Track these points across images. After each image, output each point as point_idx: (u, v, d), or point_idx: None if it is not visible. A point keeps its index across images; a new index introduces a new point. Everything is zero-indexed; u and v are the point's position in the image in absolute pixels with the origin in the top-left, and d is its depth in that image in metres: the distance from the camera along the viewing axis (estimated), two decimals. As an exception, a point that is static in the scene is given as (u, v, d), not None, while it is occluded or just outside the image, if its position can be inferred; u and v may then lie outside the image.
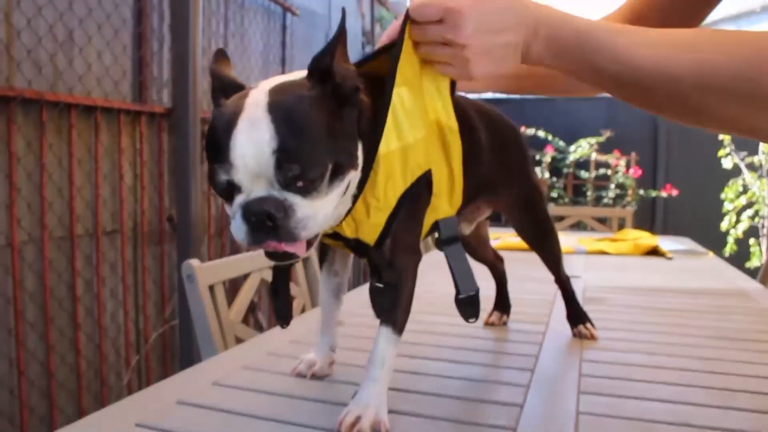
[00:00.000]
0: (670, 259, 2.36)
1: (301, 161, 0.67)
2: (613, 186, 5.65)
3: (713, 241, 4.75)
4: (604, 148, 5.71)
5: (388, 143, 0.79)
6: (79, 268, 2.30)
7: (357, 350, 1.09)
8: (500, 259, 1.37)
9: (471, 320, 0.88)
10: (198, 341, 1.40)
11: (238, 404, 0.90)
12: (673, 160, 5.89)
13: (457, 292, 0.86)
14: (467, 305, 0.87)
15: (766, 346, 1.24)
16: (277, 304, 0.90)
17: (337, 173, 0.71)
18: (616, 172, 5.65)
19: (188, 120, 2.59)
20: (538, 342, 1.23)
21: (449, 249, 0.88)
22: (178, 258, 2.69)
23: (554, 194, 5.85)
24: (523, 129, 5.83)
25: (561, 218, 3.70)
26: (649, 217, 5.85)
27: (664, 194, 5.55)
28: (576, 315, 1.27)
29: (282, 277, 0.90)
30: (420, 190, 0.83)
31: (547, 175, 5.88)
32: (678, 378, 1.04)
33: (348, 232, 0.82)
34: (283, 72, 3.73)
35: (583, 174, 5.82)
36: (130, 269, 2.57)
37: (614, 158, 5.64)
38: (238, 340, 1.52)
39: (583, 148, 5.76)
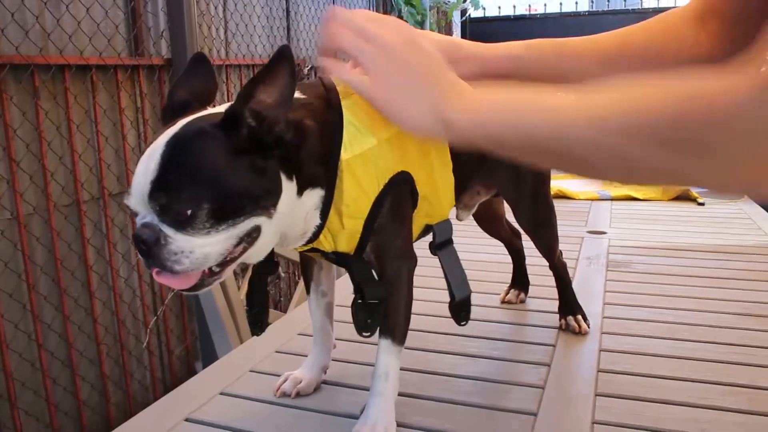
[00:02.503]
0: (701, 204, 2.25)
1: (168, 193, 0.65)
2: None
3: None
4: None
5: (351, 148, 0.75)
6: (88, 235, 2.27)
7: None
8: (517, 235, 1.29)
9: (462, 323, 0.89)
10: (208, 322, 1.37)
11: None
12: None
13: (452, 298, 0.86)
14: (460, 309, 0.88)
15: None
16: (251, 314, 0.88)
17: (225, 215, 0.67)
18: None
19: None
20: (555, 325, 1.17)
21: (443, 252, 0.87)
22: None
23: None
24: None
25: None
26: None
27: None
28: (567, 305, 1.18)
29: (257, 286, 0.87)
30: (399, 191, 0.79)
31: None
32: (701, 372, 0.97)
33: (326, 245, 0.79)
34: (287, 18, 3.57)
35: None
36: (141, 231, 2.53)
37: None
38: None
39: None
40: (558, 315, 1.18)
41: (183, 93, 0.75)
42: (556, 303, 1.20)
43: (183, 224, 0.66)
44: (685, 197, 2.33)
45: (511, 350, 1.10)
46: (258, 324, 0.88)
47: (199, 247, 0.67)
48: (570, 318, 1.16)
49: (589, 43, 0.79)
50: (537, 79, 0.77)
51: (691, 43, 0.75)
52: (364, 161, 0.75)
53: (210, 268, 0.69)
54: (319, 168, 0.74)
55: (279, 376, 0.97)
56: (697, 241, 1.79)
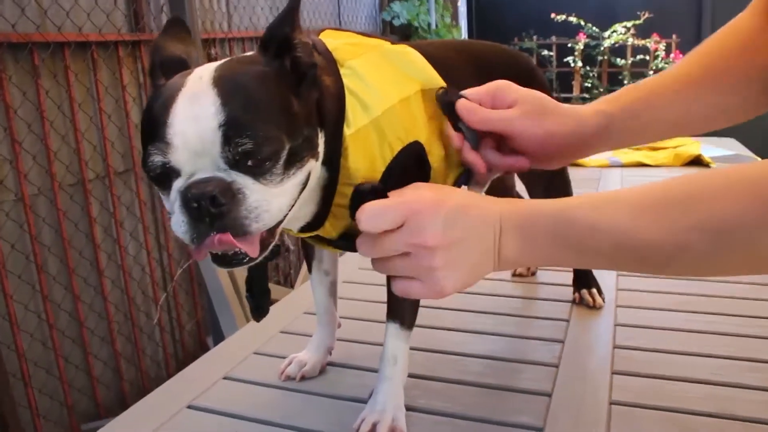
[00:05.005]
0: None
1: (253, 135, 0.57)
2: (651, 73, 5.31)
3: (761, 136, 4.48)
4: (642, 31, 5.32)
5: (354, 122, 0.68)
6: (94, 214, 2.26)
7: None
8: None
9: None
10: (213, 302, 1.35)
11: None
12: (718, 41, 5.48)
13: None
14: None
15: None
16: (252, 300, 0.80)
17: (295, 159, 0.61)
18: (656, 58, 5.30)
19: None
20: (568, 299, 1.14)
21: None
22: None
23: (588, 84, 5.56)
24: (553, 15, 5.47)
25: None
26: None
27: (706, 78, 5.20)
28: (582, 278, 1.14)
29: (256, 271, 0.79)
30: (407, 163, 0.72)
31: (580, 64, 5.56)
32: (719, 348, 0.94)
33: (333, 232, 0.73)
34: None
35: (619, 61, 5.48)
36: (147, 208, 2.52)
37: (653, 42, 5.27)
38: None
39: (618, 33, 5.39)
40: (572, 288, 1.14)
41: (173, 49, 0.68)
42: (569, 275, 1.16)
43: (262, 171, 0.58)
44: (697, 162, 2.26)
45: (522, 326, 1.06)
46: (259, 310, 0.82)
47: (275, 198, 0.59)
48: (584, 291, 1.12)
49: (673, 82, 0.76)
50: (632, 133, 0.77)
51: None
52: (368, 135, 0.68)
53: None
54: (330, 135, 0.67)
55: (284, 357, 0.95)
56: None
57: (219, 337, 2.30)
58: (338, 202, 0.70)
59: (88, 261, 2.25)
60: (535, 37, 5.89)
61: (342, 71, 0.69)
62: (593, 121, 0.75)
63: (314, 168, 0.65)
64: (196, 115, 0.57)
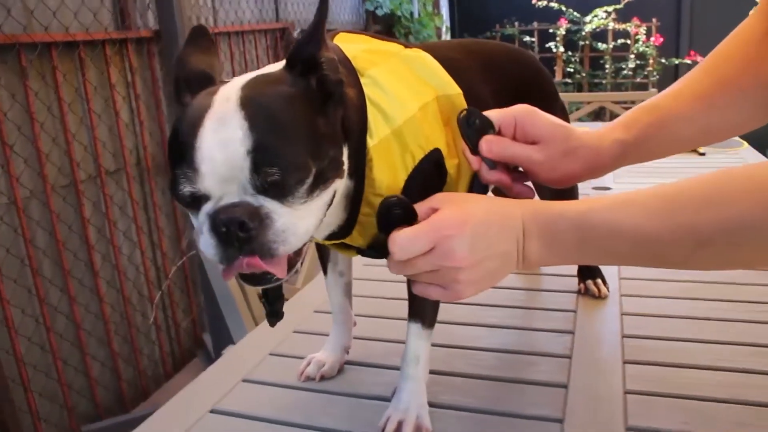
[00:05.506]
0: (702, 155, 2.22)
1: (281, 163, 0.57)
2: (632, 56, 5.36)
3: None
4: (623, 16, 5.37)
5: (377, 132, 0.69)
6: (87, 215, 2.24)
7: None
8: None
9: None
10: (221, 306, 1.36)
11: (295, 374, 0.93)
12: (698, 23, 5.52)
13: None
14: None
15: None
16: (268, 305, 0.81)
17: (320, 181, 0.61)
18: (636, 42, 5.35)
19: (179, 39, 2.41)
20: (573, 289, 1.16)
21: None
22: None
23: (570, 69, 5.59)
24: (534, 1, 5.49)
25: (578, 106, 3.50)
26: (672, 87, 5.59)
27: (688, 61, 5.24)
28: (587, 268, 1.16)
29: None
30: (428, 171, 0.73)
31: (561, 49, 5.59)
32: (723, 334, 0.97)
33: (360, 241, 0.75)
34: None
35: (601, 46, 5.52)
36: (140, 207, 2.51)
37: (633, 26, 5.32)
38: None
39: (599, 17, 5.44)
40: (576, 279, 1.17)
41: (197, 63, 0.68)
42: (573, 266, 1.18)
43: (289, 196, 0.58)
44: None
45: (531, 318, 1.09)
46: (274, 314, 0.82)
47: (301, 221, 0.60)
48: (590, 282, 1.14)
49: (684, 101, 0.77)
50: (647, 154, 0.79)
51: None
52: (390, 145, 0.70)
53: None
54: (354, 147, 0.68)
55: (300, 358, 0.96)
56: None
57: (216, 334, 2.31)
58: (365, 211, 0.71)
59: (83, 262, 2.24)
60: (516, 24, 5.92)
61: (363, 81, 0.70)
62: (611, 152, 0.77)
63: (339, 186, 0.66)
64: (223, 140, 0.57)
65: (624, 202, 0.63)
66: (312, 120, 0.62)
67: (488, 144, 0.73)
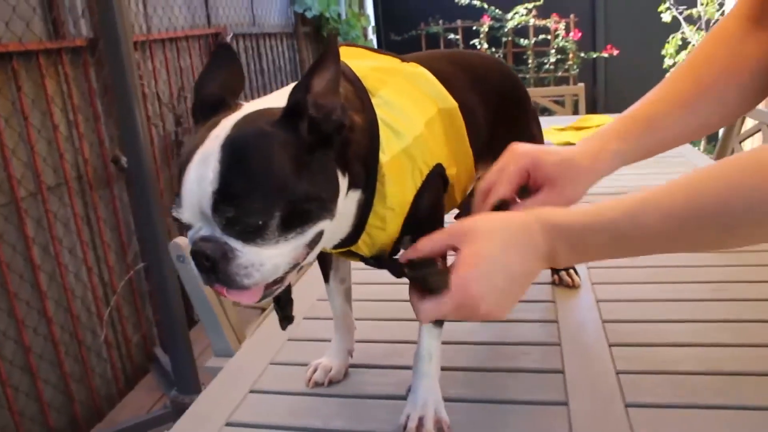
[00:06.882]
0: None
1: (237, 205, 0.61)
2: (553, 51, 5.58)
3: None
4: (542, 12, 5.57)
5: (389, 149, 0.73)
6: (31, 233, 2.15)
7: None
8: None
9: None
10: (201, 318, 1.35)
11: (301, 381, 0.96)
12: (612, 19, 5.82)
13: None
14: None
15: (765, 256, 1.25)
16: (279, 310, 0.84)
17: (296, 223, 0.64)
18: (556, 37, 5.57)
19: (119, 47, 2.31)
20: (548, 281, 1.22)
21: None
22: (131, 199, 2.56)
23: (495, 66, 5.74)
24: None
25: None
26: (591, 80, 5.85)
27: (605, 55, 5.52)
28: None
29: None
30: (435, 184, 0.79)
31: (485, 46, 5.75)
32: (695, 313, 1.06)
33: (365, 250, 0.79)
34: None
35: (523, 41, 5.71)
36: (83, 222, 2.43)
37: (553, 22, 5.53)
38: (237, 306, 1.47)
39: (520, 14, 5.62)
40: (550, 271, 1.23)
41: (212, 87, 0.71)
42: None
43: (252, 236, 0.62)
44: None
45: (514, 311, 1.14)
46: (286, 319, 0.86)
47: (269, 259, 0.64)
48: (563, 273, 1.21)
49: (668, 105, 0.81)
50: (640, 157, 0.83)
51: (755, 49, 0.78)
52: (401, 162, 0.74)
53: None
54: (361, 168, 0.72)
55: (301, 365, 0.98)
56: (643, 182, 1.88)
57: (169, 348, 2.26)
58: (374, 223, 0.75)
59: (29, 283, 2.15)
60: (441, 21, 6.03)
61: (374, 101, 0.74)
62: (611, 166, 0.81)
63: (327, 226, 0.68)
64: (199, 177, 0.61)
65: (647, 202, 0.64)
66: (291, 165, 0.63)
67: None
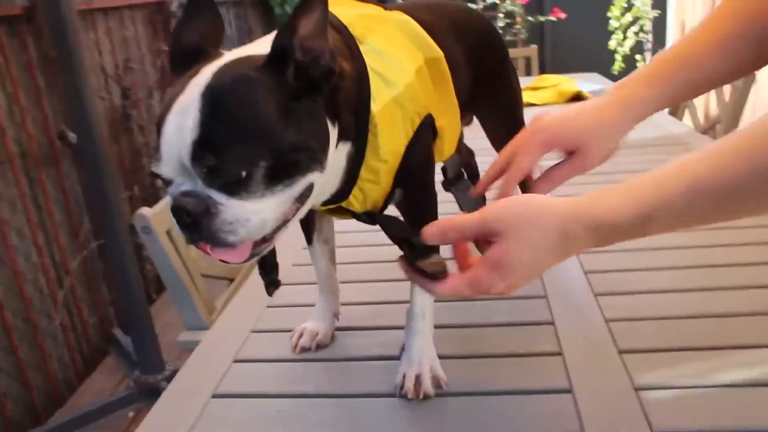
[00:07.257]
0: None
1: (218, 153, 0.57)
2: (501, 15, 5.57)
3: (603, 61, 4.89)
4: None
5: (380, 98, 0.70)
6: (-26, 215, 2.03)
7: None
8: (471, 154, 1.31)
9: None
10: (170, 291, 1.30)
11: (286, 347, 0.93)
12: (559, -19, 5.84)
13: None
14: None
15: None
16: (264, 274, 0.81)
17: (283, 174, 0.60)
18: (504, 1, 5.55)
19: (61, 14, 2.17)
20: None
21: (457, 186, 0.91)
22: (82, 176, 2.45)
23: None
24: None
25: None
26: (539, 43, 5.89)
27: (552, 18, 5.55)
28: None
29: None
30: (426, 134, 0.77)
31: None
32: (680, 260, 1.07)
33: (357, 205, 0.75)
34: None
35: (472, 6, 5.68)
36: (31, 202, 2.30)
37: (501, -15, 5.52)
38: (206, 277, 1.43)
39: (468, -22, 5.58)
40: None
41: (190, 36, 0.66)
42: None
43: (236, 188, 0.58)
44: (578, 98, 2.44)
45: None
46: (272, 284, 0.83)
47: (255, 214, 0.60)
48: None
49: (705, 42, 0.76)
50: (673, 101, 0.79)
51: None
52: (393, 111, 0.71)
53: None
54: (351, 118, 0.68)
55: (283, 331, 0.94)
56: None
57: (130, 328, 2.19)
58: (366, 177, 0.72)
59: (-24, 268, 2.04)
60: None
61: (363, 48, 0.71)
62: (642, 113, 0.77)
63: (317, 178, 0.64)
64: (179, 128, 0.58)
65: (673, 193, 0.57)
66: (277, 112, 0.60)
67: None
